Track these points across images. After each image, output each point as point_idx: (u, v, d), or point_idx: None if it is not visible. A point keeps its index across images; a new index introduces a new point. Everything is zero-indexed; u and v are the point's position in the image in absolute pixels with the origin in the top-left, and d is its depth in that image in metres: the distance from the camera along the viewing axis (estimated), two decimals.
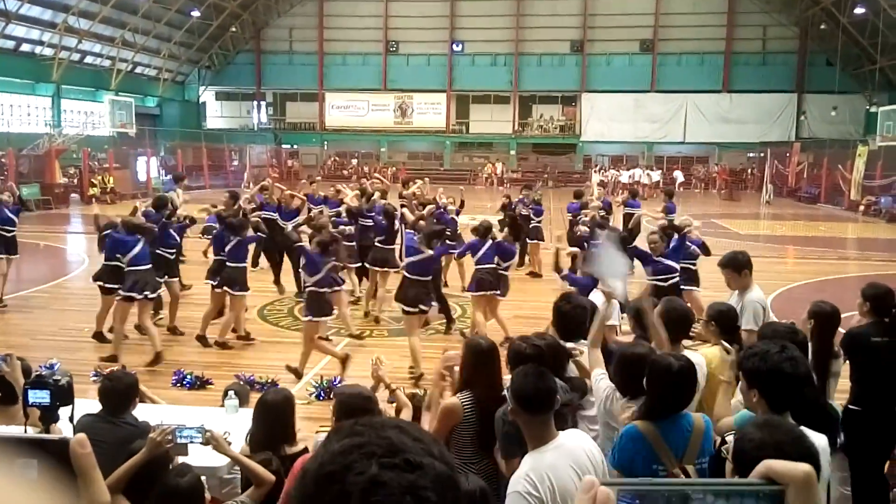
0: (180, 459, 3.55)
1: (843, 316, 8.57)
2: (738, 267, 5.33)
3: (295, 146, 45.39)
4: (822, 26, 37.55)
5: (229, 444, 3.89)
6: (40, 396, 3.24)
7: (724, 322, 4.37)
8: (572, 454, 2.85)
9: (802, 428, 2.35)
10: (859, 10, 32.55)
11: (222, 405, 5.61)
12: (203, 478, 3.72)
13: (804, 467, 1.79)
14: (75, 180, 28.69)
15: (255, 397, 6.25)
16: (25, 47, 31.16)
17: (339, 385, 7.33)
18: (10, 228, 10.73)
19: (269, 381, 7.32)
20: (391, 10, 42.26)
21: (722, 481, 2.39)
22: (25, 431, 3.34)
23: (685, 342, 4.31)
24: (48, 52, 31.83)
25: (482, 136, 44.03)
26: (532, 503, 2.69)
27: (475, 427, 3.80)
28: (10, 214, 10.78)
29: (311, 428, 5.60)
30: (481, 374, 3.91)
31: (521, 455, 3.42)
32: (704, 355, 4.12)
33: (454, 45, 42.47)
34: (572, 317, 4.35)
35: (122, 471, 3.31)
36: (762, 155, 37.83)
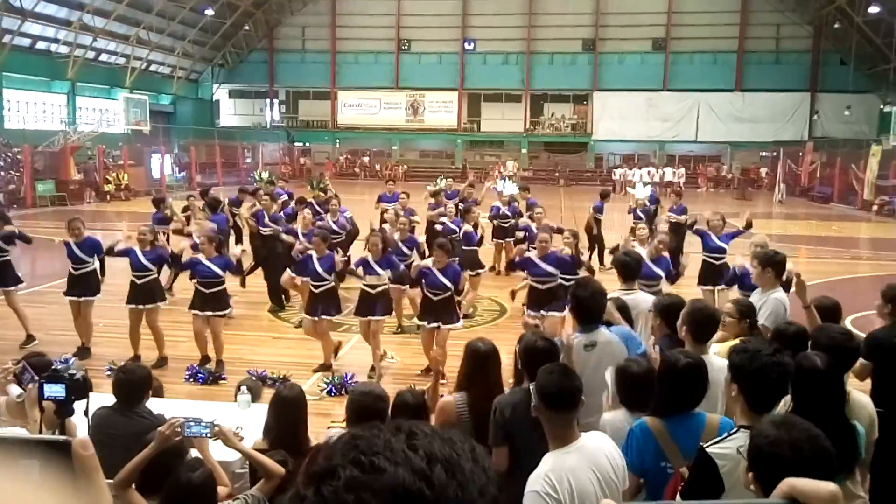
0: (193, 453, 3.55)
1: (855, 316, 8.56)
2: (763, 262, 5.33)
3: (307, 144, 45.46)
4: (836, 25, 37.22)
5: (241, 439, 3.90)
6: (56, 390, 3.25)
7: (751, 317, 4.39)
8: (593, 457, 2.82)
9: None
10: (874, 10, 32.22)
11: (235, 400, 5.64)
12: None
13: (830, 486, 1.72)
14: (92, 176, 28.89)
15: (266, 393, 6.32)
16: (41, 45, 31.35)
17: (350, 381, 7.41)
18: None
19: (281, 376, 7.38)
20: (403, 8, 42.24)
21: (745, 502, 2.36)
22: (41, 426, 3.39)
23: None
24: (63, 49, 32.02)
25: (494, 135, 43.95)
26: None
27: (470, 429, 3.82)
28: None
29: (323, 424, 5.65)
30: (477, 376, 4.03)
31: (504, 446, 3.50)
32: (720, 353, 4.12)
33: (466, 44, 42.40)
34: (589, 304, 4.30)
35: (132, 465, 3.31)
36: (775, 154, 37.57)
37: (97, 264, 8.59)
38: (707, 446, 2.74)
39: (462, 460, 0.91)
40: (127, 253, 8.25)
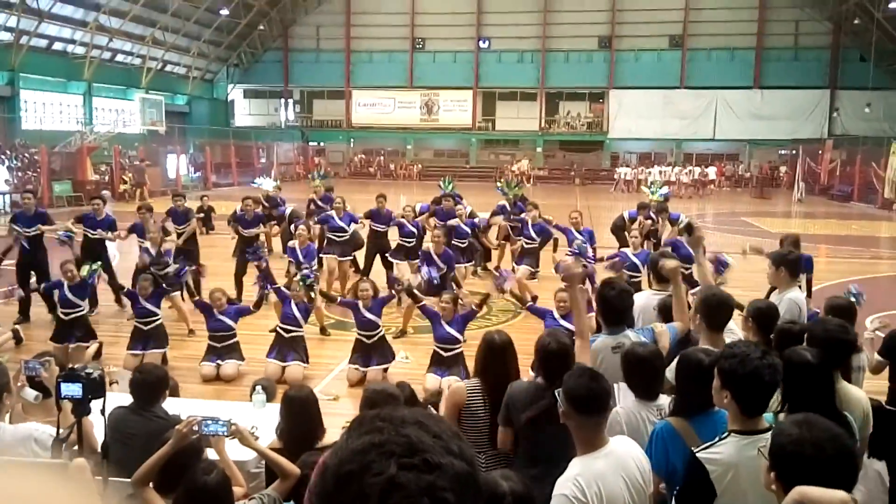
0: (210, 452, 3.56)
1: (874, 316, 8.43)
2: (776, 261, 5.23)
3: (322, 143, 45.59)
4: (856, 21, 36.78)
5: (256, 438, 3.89)
6: (72, 389, 3.29)
7: (763, 320, 4.22)
8: (622, 462, 2.77)
9: None
10: (894, 5, 31.84)
11: (250, 400, 5.64)
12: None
13: (841, 495, 1.72)
14: (106, 177, 29.07)
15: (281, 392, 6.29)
16: (58, 46, 31.64)
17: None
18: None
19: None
20: (418, 6, 42.25)
21: None
22: (58, 424, 3.40)
23: None
24: (80, 50, 32.29)
25: (508, 134, 43.84)
26: None
27: (483, 416, 3.96)
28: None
29: (338, 424, 5.62)
30: (490, 367, 4.11)
31: (511, 426, 3.62)
32: None
33: (481, 42, 42.33)
34: (616, 304, 4.20)
35: (149, 463, 3.34)
36: (794, 152, 37.17)
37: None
38: (697, 451, 2.71)
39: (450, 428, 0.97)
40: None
